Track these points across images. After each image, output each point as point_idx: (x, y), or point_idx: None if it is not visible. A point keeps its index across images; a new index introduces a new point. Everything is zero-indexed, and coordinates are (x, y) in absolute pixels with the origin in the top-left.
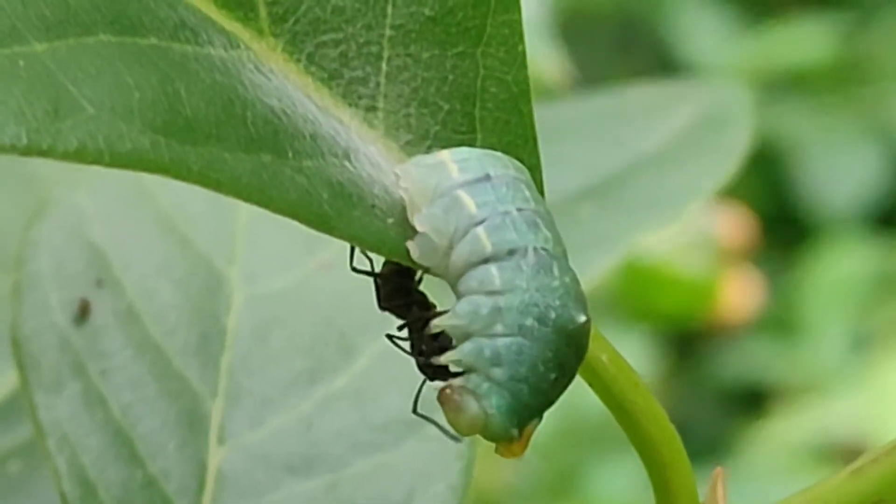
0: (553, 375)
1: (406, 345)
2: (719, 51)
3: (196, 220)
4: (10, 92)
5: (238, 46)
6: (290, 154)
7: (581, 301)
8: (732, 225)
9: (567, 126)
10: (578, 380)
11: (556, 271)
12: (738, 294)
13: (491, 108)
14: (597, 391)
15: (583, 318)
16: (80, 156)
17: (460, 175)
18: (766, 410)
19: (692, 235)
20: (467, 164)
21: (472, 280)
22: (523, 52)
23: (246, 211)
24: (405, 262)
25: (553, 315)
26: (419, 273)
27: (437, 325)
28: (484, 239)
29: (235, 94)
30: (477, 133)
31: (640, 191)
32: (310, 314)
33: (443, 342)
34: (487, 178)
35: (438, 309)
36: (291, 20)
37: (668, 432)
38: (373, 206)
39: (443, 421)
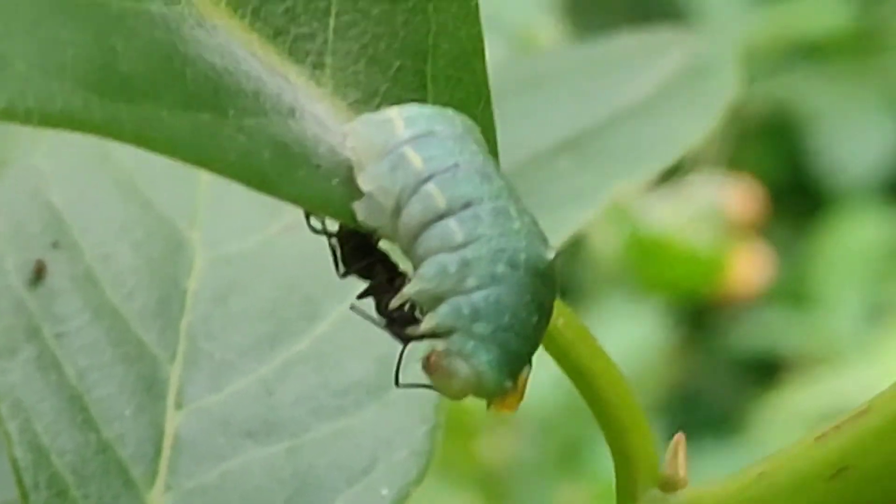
0: (535, 318)
1: (373, 312)
2: (737, 20)
3: (157, 183)
4: None
5: (179, 2)
6: (231, 112)
7: (544, 238)
8: (741, 197)
9: (548, 77)
10: None
11: (514, 213)
12: (747, 267)
13: (443, 64)
14: (554, 356)
15: (551, 254)
16: (9, 115)
17: (406, 131)
18: (780, 381)
19: (700, 208)
20: (414, 120)
21: (431, 239)
22: (476, 8)
23: (209, 173)
24: (351, 224)
25: (523, 256)
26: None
27: (403, 295)
28: (437, 195)
29: (175, 50)
30: (428, 91)
31: (620, 143)
32: (273, 277)
33: (409, 312)
34: (433, 133)
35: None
36: None
37: (627, 398)
38: (318, 166)
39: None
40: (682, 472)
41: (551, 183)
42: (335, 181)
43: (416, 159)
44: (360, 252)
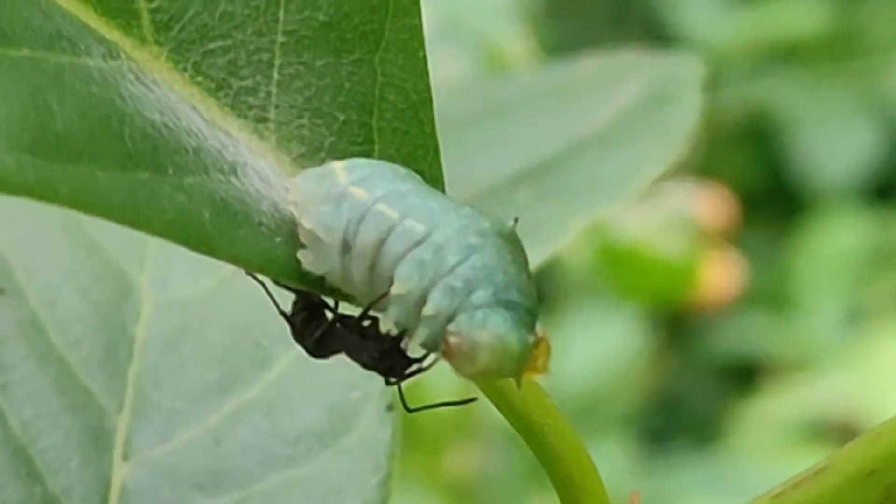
0: (524, 274)
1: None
2: (713, 23)
3: (105, 225)
4: None
5: (119, 56)
6: (171, 170)
7: (494, 216)
8: (712, 204)
9: (507, 105)
10: (553, 364)
11: (463, 209)
12: (719, 274)
13: (389, 117)
14: (503, 412)
15: (509, 222)
16: None
17: (349, 176)
18: (758, 387)
19: (671, 215)
20: (357, 167)
21: (394, 245)
22: (424, 59)
23: None
24: (294, 284)
25: (487, 224)
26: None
27: (390, 314)
28: (387, 211)
29: (113, 107)
30: (375, 144)
31: (580, 174)
32: (223, 322)
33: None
34: (378, 175)
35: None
36: (177, 27)
37: (579, 453)
38: (260, 223)
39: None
40: None
41: (508, 216)
42: (278, 239)
43: (360, 193)
44: (313, 321)
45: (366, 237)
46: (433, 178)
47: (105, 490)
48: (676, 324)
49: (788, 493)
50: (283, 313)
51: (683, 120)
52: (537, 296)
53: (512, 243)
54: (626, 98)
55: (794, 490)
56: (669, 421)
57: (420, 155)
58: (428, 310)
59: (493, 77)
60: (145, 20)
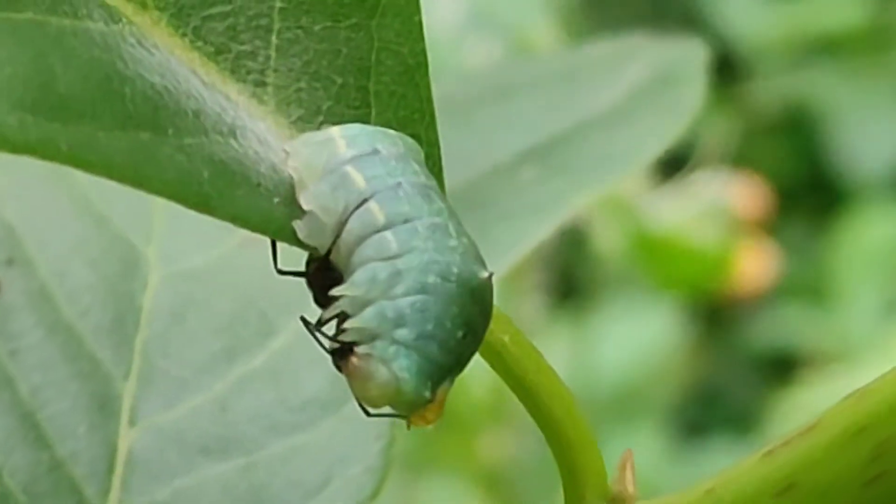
0: (460, 333)
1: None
2: (751, 15)
3: (113, 198)
4: None
5: (120, 21)
6: (171, 132)
7: (481, 260)
8: (747, 194)
9: (519, 86)
10: (588, 355)
11: (452, 232)
12: (753, 265)
13: (386, 81)
14: (500, 373)
15: (485, 274)
16: None
17: (348, 151)
18: (796, 378)
19: (706, 205)
20: (356, 139)
21: (367, 249)
22: (420, 24)
23: None
24: (291, 243)
25: (455, 270)
26: None
27: (335, 293)
28: (377, 212)
29: (114, 69)
30: (372, 108)
31: (585, 154)
32: (230, 293)
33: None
34: (376, 152)
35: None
36: None
37: (573, 414)
38: (258, 184)
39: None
40: (630, 489)
41: (513, 194)
42: (276, 200)
43: (358, 178)
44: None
45: (351, 230)
46: (429, 141)
47: (111, 455)
48: (713, 315)
49: (778, 450)
50: (300, 273)
51: (688, 101)
52: (468, 360)
53: (472, 297)
54: (632, 79)
55: (784, 447)
56: (707, 413)
57: (416, 118)
58: (357, 320)
59: (509, 61)
60: None
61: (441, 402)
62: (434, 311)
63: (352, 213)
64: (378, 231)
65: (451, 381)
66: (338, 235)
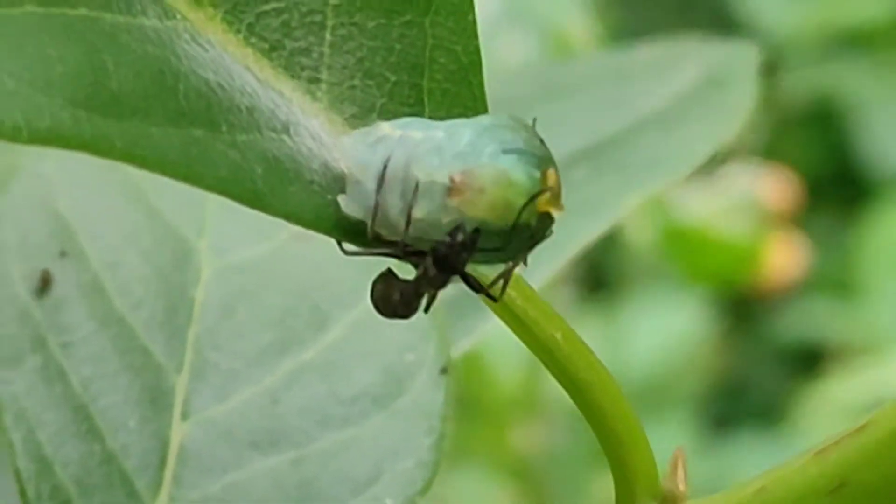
0: (535, 139)
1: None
2: (780, 8)
3: (165, 191)
4: None
5: (174, 17)
6: (224, 128)
7: None
8: (777, 187)
9: (570, 86)
10: (618, 347)
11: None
12: (783, 257)
13: (440, 79)
14: (551, 370)
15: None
16: None
17: (391, 126)
18: (823, 371)
19: (736, 198)
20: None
21: (418, 153)
22: (473, 22)
23: None
24: (343, 240)
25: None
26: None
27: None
28: (413, 134)
29: (167, 66)
30: (425, 105)
31: (637, 154)
32: (280, 286)
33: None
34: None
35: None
36: None
37: (625, 412)
38: (311, 181)
39: None
40: (681, 487)
41: (565, 193)
42: (329, 197)
43: (395, 131)
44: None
45: (395, 163)
46: None
47: (163, 449)
48: (741, 307)
49: (830, 449)
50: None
51: (740, 104)
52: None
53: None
54: (684, 82)
55: (836, 446)
56: (734, 405)
57: (469, 116)
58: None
59: (556, 61)
60: None
61: (557, 184)
62: (501, 126)
63: (390, 155)
64: (421, 143)
65: (556, 168)
66: (380, 189)
